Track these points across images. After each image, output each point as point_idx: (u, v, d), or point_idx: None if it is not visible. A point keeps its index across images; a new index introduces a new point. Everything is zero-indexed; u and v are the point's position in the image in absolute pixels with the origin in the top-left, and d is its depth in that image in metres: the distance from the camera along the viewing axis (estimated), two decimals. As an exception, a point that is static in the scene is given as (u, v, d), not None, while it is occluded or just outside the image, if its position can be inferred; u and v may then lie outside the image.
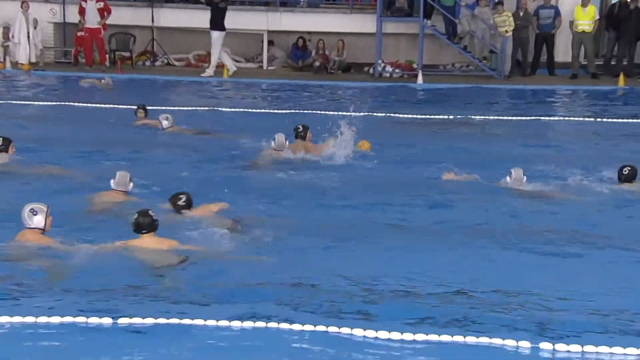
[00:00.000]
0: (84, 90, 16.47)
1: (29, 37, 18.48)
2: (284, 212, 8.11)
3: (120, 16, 19.39)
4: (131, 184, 7.99)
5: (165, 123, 11.78)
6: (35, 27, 18.74)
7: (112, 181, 7.93)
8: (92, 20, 18.65)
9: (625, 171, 8.85)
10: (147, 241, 6.53)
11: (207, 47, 20.65)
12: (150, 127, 11.96)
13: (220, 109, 14.50)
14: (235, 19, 19.71)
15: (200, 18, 19.69)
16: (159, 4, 19.44)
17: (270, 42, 20.48)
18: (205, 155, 10.43)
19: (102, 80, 17.06)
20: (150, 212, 6.61)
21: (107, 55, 19.65)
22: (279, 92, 17.32)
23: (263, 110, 14.53)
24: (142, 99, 14.85)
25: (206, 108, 14.38)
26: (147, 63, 20.02)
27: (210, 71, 18.77)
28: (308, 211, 8.14)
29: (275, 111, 14.51)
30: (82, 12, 18.62)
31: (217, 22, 18.47)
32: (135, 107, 12.61)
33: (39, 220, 6.60)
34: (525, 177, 8.92)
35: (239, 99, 16.20)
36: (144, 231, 6.53)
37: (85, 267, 6.26)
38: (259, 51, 20.55)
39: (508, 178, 8.92)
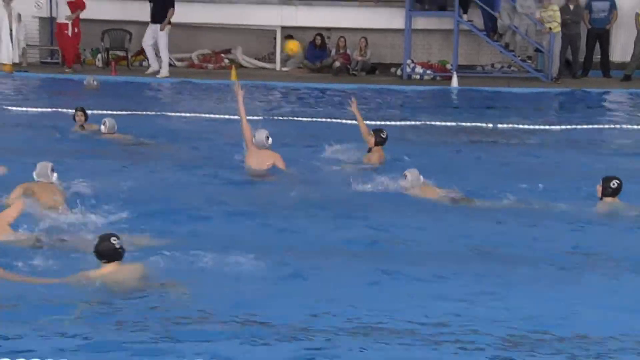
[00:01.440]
0: (67, 93, 16.33)
1: (11, 34, 18.35)
2: (260, 230, 7.98)
3: (115, 10, 19.21)
4: (54, 175, 8.25)
5: (102, 128, 11.67)
6: (19, 22, 18.65)
7: (33, 173, 8.28)
8: (62, 14, 18.39)
9: (613, 184, 8.53)
10: (111, 271, 6.23)
11: (214, 46, 20.51)
12: (90, 132, 11.92)
13: (214, 115, 14.16)
14: (244, 13, 19.47)
15: (206, 13, 19.48)
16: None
17: (290, 37, 20.21)
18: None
19: (84, 81, 16.75)
20: (112, 238, 6.27)
21: (104, 57, 19.56)
22: (293, 96, 17.05)
23: (274, 118, 14.24)
24: (135, 104, 14.67)
25: (198, 114, 14.16)
26: (145, 63, 19.79)
27: (165, 71, 18.40)
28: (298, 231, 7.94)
29: (290, 118, 14.26)
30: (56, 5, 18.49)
31: (163, 15, 18.28)
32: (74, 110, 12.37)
33: None
34: (422, 177, 8.93)
35: (247, 104, 15.88)
36: (104, 260, 6.25)
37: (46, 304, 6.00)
38: (273, 49, 20.31)
39: (402, 182, 8.97)
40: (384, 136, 10.45)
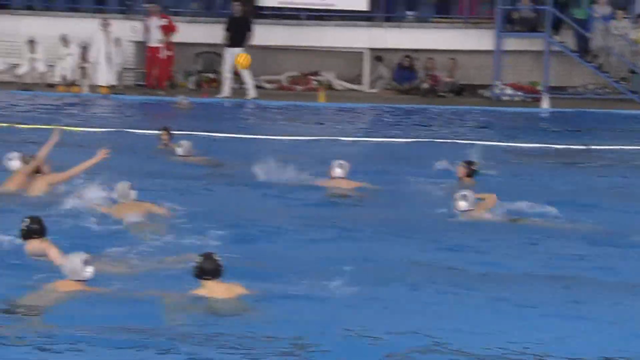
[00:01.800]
0: (159, 114, 16.68)
1: (109, 57, 18.91)
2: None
3: (207, 34, 19.60)
4: (133, 192, 8.56)
5: (179, 150, 11.63)
6: (117, 46, 19.19)
7: (114, 195, 8.63)
8: (154, 38, 18.84)
9: None
10: (211, 289, 6.31)
11: (302, 68, 20.75)
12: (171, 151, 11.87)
13: (299, 137, 14.17)
14: (333, 35, 19.64)
15: (294, 36, 19.71)
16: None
17: (378, 58, 20.28)
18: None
19: (176, 100, 17.12)
20: (214, 255, 6.43)
21: (196, 79, 19.99)
22: (382, 116, 17.06)
23: (364, 139, 14.21)
24: (221, 126, 14.83)
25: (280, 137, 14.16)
26: (235, 85, 20.09)
27: (252, 92, 18.52)
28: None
29: (378, 140, 14.23)
30: (147, 29, 18.97)
31: (240, 39, 18.38)
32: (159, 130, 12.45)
33: (90, 273, 6.37)
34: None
35: (331, 125, 15.94)
36: (207, 277, 6.33)
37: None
38: (361, 71, 20.40)
39: (460, 203, 8.84)
40: (474, 168, 10.40)
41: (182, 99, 17.20)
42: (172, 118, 15.76)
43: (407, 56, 19.76)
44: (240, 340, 5.81)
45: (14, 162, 9.60)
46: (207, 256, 6.39)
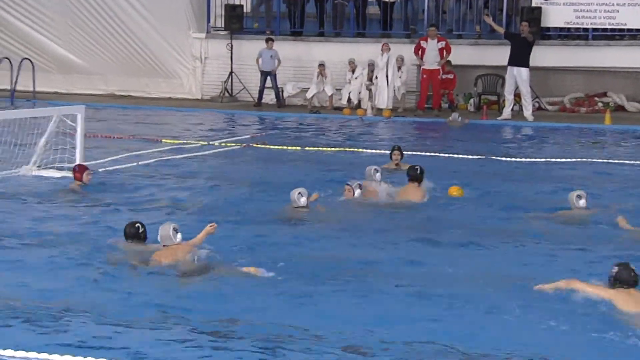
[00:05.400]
0: (427, 134, 16.96)
1: (388, 80, 19.53)
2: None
3: (488, 56, 19.55)
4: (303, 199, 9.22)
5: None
6: (399, 69, 19.72)
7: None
8: (431, 61, 18.99)
9: None
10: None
11: (587, 89, 19.98)
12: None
13: (568, 159, 13.60)
14: (622, 55, 18.78)
15: (580, 56, 19.08)
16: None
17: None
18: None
19: (450, 117, 17.40)
20: (137, 224, 7.70)
21: (475, 101, 20.05)
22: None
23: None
24: (487, 148, 14.63)
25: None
26: (516, 107, 19.79)
27: (528, 114, 18.18)
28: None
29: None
30: (417, 51, 19.16)
31: (526, 59, 17.91)
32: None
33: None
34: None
35: (605, 148, 15.13)
36: (129, 240, 7.65)
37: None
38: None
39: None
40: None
41: (454, 117, 17.38)
42: (439, 139, 15.94)
43: None
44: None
45: (303, 200, 9.33)
46: (130, 223, 7.68)
